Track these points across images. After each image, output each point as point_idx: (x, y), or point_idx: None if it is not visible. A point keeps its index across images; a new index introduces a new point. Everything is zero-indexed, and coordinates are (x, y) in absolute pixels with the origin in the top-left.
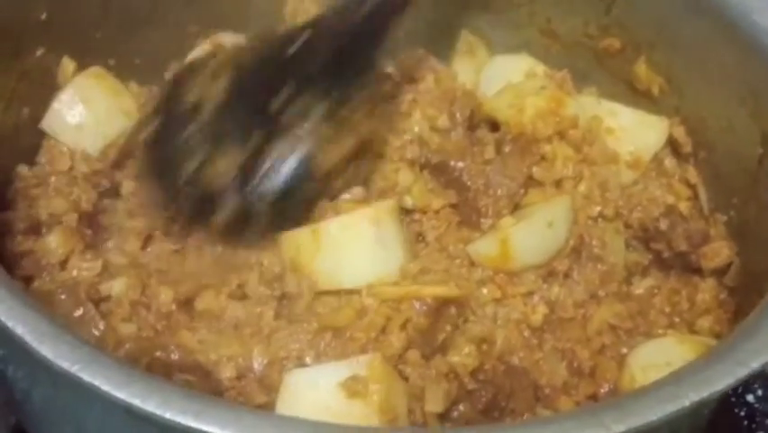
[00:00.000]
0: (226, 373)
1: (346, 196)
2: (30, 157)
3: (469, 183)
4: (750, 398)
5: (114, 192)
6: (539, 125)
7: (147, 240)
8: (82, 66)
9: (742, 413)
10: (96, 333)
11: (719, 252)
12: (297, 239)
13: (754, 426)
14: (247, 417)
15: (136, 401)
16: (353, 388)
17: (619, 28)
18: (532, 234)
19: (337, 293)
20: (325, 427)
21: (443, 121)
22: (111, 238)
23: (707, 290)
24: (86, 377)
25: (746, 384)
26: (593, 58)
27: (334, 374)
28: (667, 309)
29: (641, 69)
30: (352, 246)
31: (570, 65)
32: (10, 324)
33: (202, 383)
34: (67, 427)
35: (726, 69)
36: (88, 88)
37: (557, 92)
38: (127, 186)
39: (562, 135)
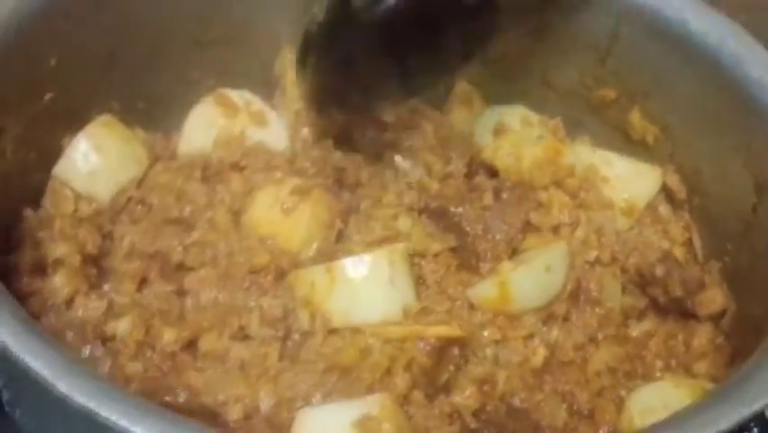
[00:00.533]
0: (234, 414)
1: (355, 237)
2: (36, 199)
3: (468, 228)
4: None
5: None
6: (536, 175)
7: (142, 282)
8: (87, 109)
9: None
10: (104, 372)
11: (714, 299)
12: (311, 276)
13: None
14: None
15: None
16: (367, 427)
17: (614, 78)
18: (531, 279)
19: (341, 332)
20: None
21: (441, 167)
22: (108, 281)
23: (703, 335)
24: (104, 412)
25: (744, 425)
26: (588, 107)
27: (347, 413)
28: (664, 353)
29: (635, 117)
30: (368, 286)
31: (565, 114)
32: (27, 359)
33: (210, 425)
34: None
35: (719, 119)
36: (100, 137)
37: (554, 142)
38: (121, 229)
39: (558, 184)
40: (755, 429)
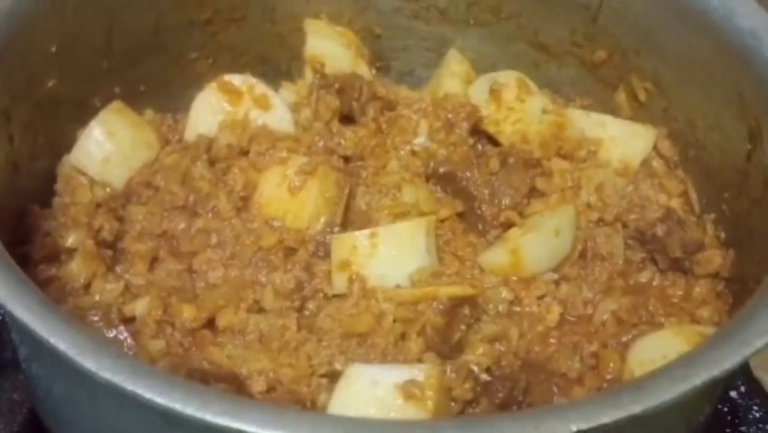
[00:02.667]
0: (257, 387)
1: (363, 209)
2: (42, 190)
3: (475, 193)
4: (733, 394)
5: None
6: (543, 151)
7: (153, 262)
8: (89, 95)
9: (725, 409)
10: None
11: (712, 260)
12: (353, 241)
13: (737, 421)
14: (286, 415)
15: (177, 406)
16: (410, 391)
17: (606, 36)
18: (541, 244)
19: (352, 297)
20: (360, 423)
21: (444, 135)
22: (119, 263)
23: (702, 284)
24: (129, 386)
25: (730, 382)
26: (582, 67)
27: (395, 376)
28: (666, 301)
29: (620, 97)
30: (407, 252)
31: (559, 75)
32: (52, 340)
33: (238, 393)
34: (86, 420)
35: (711, 71)
36: (112, 123)
37: (558, 117)
38: (133, 211)
39: (564, 157)
40: (743, 387)
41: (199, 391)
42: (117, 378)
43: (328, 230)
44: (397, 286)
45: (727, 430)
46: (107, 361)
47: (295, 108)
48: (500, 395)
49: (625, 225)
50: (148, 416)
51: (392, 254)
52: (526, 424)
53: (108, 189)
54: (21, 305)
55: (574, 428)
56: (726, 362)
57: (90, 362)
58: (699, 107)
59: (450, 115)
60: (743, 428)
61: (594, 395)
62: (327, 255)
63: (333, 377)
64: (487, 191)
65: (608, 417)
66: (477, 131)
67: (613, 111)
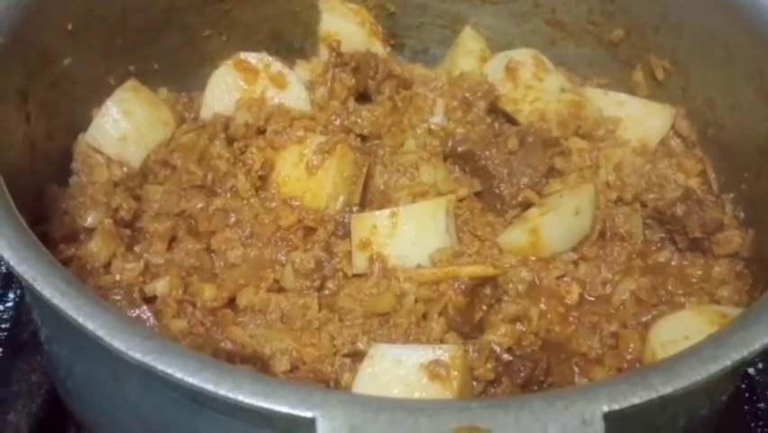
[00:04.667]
0: (281, 366)
1: (381, 188)
2: (58, 171)
3: (493, 172)
4: (751, 371)
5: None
6: (561, 130)
7: (171, 241)
8: (104, 73)
9: (743, 385)
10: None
11: (731, 240)
12: (373, 220)
13: (755, 397)
14: (317, 395)
15: (209, 386)
16: (435, 371)
17: (624, 14)
18: (560, 223)
19: (373, 277)
20: (387, 402)
21: (462, 114)
22: (138, 242)
23: (722, 264)
24: (160, 366)
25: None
26: (599, 45)
27: (419, 356)
28: (686, 280)
29: (638, 76)
30: (428, 231)
31: (576, 53)
32: (81, 320)
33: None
34: (110, 400)
35: (731, 49)
36: (128, 101)
37: (576, 96)
38: (150, 190)
39: (582, 136)
40: (760, 364)
41: (230, 372)
42: (147, 358)
43: (347, 209)
44: (418, 266)
45: (745, 407)
46: (137, 341)
47: (310, 86)
48: (522, 375)
49: (643, 205)
50: (176, 395)
51: (412, 234)
52: (557, 404)
53: (125, 168)
54: (49, 285)
55: (605, 409)
56: (757, 342)
57: (119, 342)
58: (719, 86)
59: (467, 94)
60: (761, 405)
61: (623, 376)
62: (346, 235)
63: (356, 357)
64: (505, 170)
65: (638, 398)
66: (494, 109)
67: (630, 90)
